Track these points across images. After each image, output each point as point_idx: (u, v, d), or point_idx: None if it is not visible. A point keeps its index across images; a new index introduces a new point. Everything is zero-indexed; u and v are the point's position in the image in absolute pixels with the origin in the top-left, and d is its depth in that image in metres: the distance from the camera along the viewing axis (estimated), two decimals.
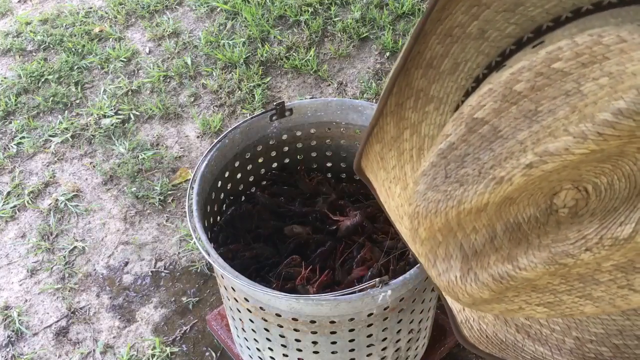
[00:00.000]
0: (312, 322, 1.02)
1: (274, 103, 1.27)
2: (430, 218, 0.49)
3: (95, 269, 1.70)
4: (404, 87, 0.55)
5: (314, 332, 1.04)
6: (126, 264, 1.72)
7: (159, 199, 1.86)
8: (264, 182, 1.41)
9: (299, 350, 1.10)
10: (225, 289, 1.11)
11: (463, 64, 0.53)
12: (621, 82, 0.39)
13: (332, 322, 1.02)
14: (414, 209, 0.51)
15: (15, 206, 1.87)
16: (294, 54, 2.31)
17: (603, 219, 0.42)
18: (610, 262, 0.44)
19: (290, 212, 1.33)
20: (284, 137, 1.34)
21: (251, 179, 1.37)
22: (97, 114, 2.14)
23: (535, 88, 0.44)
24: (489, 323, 0.63)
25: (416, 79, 0.54)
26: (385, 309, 1.02)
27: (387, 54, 2.30)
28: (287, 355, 1.13)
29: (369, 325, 1.04)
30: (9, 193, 1.91)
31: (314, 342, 1.07)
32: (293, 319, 1.02)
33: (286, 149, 1.38)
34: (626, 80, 0.39)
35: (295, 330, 1.05)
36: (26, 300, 1.64)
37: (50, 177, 1.95)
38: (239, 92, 2.18)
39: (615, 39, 0.40)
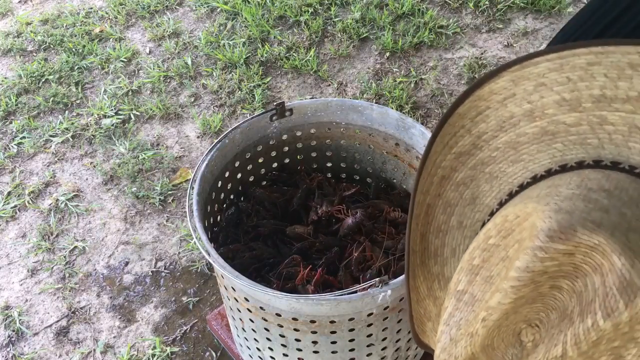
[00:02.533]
0: (312, 321, 1.02)
1: (274, 103, 1.27)
2: None
3: (95, 269, 1.71)
4: (427, 274, 0.72)
5: (314, 332, 1.05)
6: (126, 263, 1.72)
7: (159, 199, 1.86)
8: (264, 182, 1.41)
9: (299, 350, 1.10)
10: (226, 288, 1.11)
11: (458, 248, 0.71)
12: (522, 246, 0.54)
13: (332, 321, 1.02)
14: None
15: (15, 206, 1.87)
16: (294, 54, 2.31)
17: (548, 344, 0.56)
18: None
19: (290, 207, 1.33)
20: (284, 137, 1.34)
21: (251, 179, 1.37)
22: (98, 114, 2.14)
23: (485, 260, 0.61)
24: None
25: (432, 266, 0.72)
26: (385, 308, 1.02)
27: (387, 54, 2.30)
28: (287, 355, 1.13)
29: (369, 325, 1.04)
30: (9, 193, 1.91)
31: (314, 342, 1.07)
32: (293, 318, 1.02)
33: (286, 149, 1.38)
34: (524, 243, 0.54)
35: (295, 330, 1.05)
36: (26, 300, 1.64)
37: (51, 177, 1.95)
38: (239, 92, 2.18)
39: (513, 217, 0.58)
